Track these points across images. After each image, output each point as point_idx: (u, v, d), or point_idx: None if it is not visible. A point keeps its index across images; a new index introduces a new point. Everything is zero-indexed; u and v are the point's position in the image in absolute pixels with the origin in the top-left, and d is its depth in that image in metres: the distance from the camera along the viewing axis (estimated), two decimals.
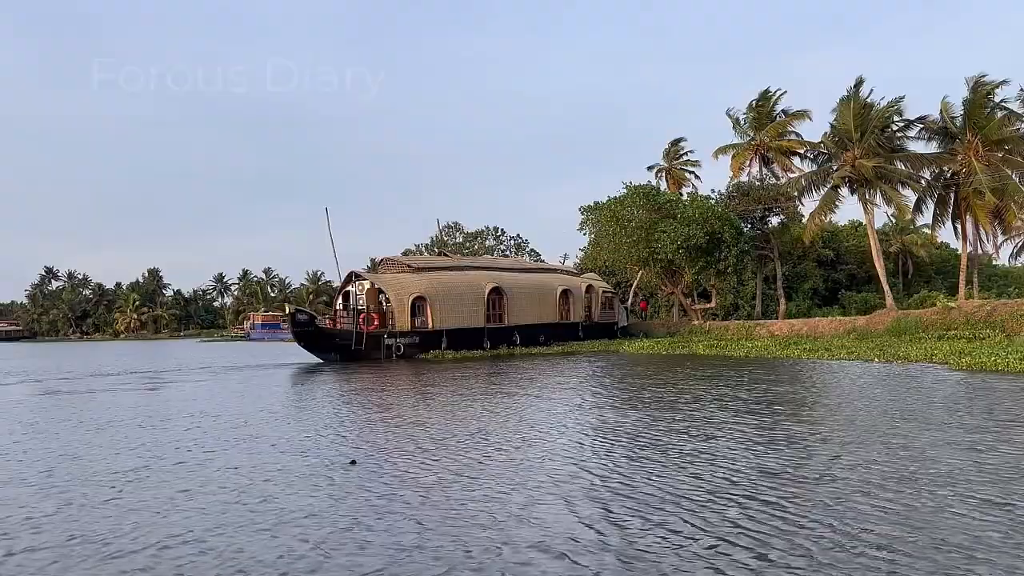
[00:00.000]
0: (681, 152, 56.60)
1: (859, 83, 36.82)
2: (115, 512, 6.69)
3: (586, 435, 10.34)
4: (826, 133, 39.09)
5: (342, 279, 36.14)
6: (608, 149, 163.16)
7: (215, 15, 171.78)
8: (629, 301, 45.97)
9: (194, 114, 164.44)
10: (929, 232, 62.54)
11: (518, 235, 61.80)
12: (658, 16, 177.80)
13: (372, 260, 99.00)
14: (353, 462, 8.78)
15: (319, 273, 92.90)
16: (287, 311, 32.01)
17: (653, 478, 7.52)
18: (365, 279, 33.43)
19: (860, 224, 62.78)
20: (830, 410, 12.02)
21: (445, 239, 61.30)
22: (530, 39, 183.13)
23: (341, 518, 6.39)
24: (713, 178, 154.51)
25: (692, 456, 8.59)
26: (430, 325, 32.76)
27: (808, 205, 42.91)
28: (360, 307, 32.43)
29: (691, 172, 55.96)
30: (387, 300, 32.74)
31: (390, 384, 20.04)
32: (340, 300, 34.35)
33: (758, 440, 9.47)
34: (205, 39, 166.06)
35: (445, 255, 42.99)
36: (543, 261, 55.75)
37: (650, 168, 56.50)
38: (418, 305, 32.75)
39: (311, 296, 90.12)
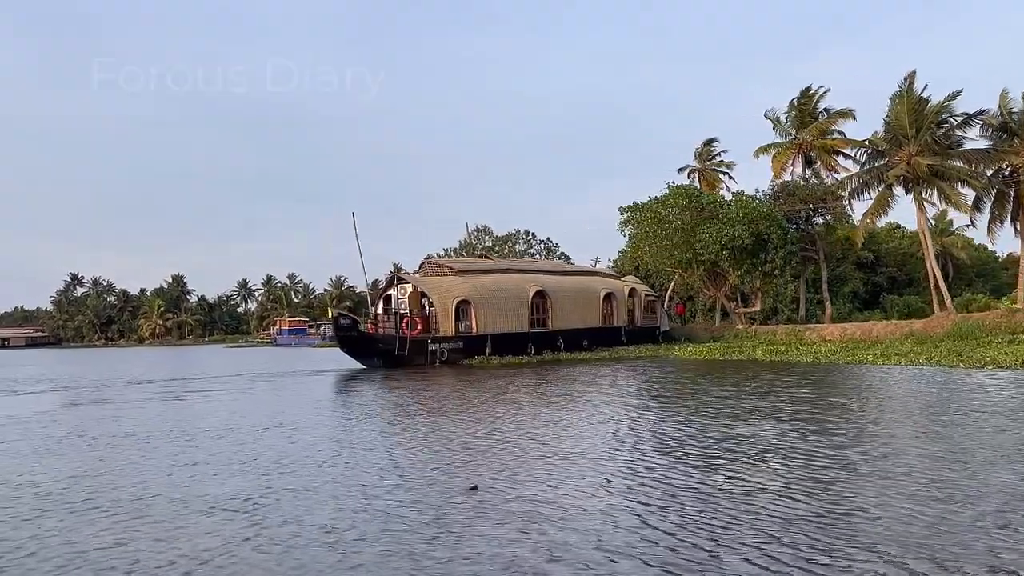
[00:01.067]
0: (714, 153, 55.25)
1: (911, 78, 35.35)
2: (272, 565, 5.40)
3: (744, 452, 9.02)
4: (876, 132, 37.64)
5: (368, 284, 35.11)
6: (609, 149, 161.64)
7: (215, 15, 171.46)
8: (665, 304, 44.57)
9: (195, 114, 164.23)
10: (968, 234, 61.01)
11: (548, 238, 60.58)
12: (658, 16, 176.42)
13: (395, 265, 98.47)
14: (475, 487, 7.52)
15: (342, 278, 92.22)
16: (331, 315, 30.88)
17: (884, 506, 6.20)
18: (408, 282, 32.28)
19: (898, 226, 61.19)
20: (995, 421, 10.63)
21: (474, 242, 60.11)
22: (530, 39, 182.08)
23: (556, 568, 5.13)
24: (747, 178, 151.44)
25: (894, 478, 7.27)
26: (474, 330, 31.54)
27: (855, 205, 41.56)
28: (403, 311, 31.28)
29: (724, 173, 54.64)
30: (430, 304, 31.55)
31: (456, 393, 18.78)
32: (381, 304, 33.20)
33: (950, 457, 8.13)
34: (205, 39, 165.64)
35: (487, 257, 41.81)
36: (573, 264, 54.45)
37: (681, 170, 55.17)
38: (462, 309, 31.55)
39: (334, 301, 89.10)
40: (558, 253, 59.14)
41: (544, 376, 22.66)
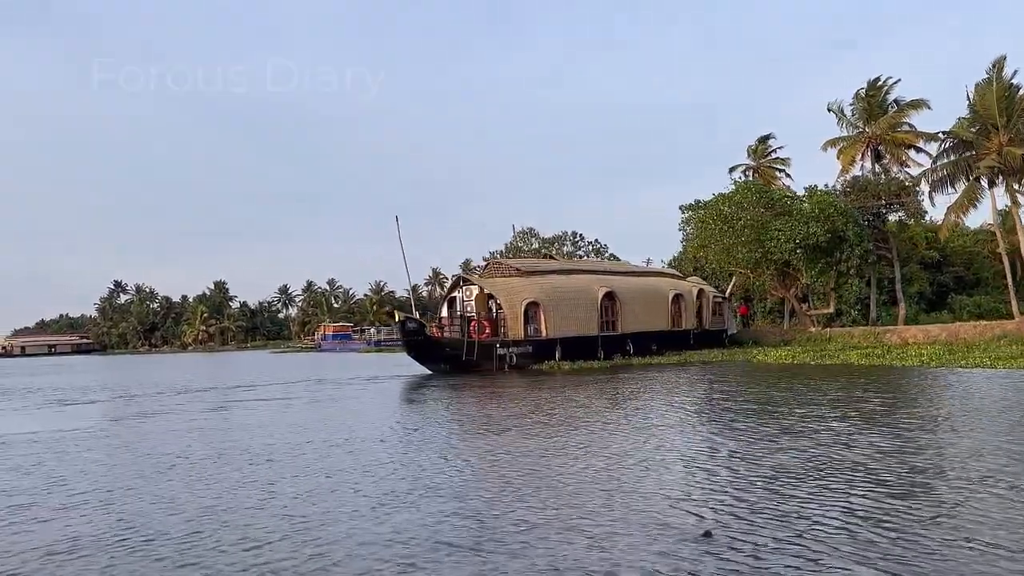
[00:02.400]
0: (769, 150, 53.06)
1: (1000, 64, 33.02)
2: None
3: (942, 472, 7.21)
4: (961, 119, 35.27)
5: (409, 287, 33.77)
6: (610, 150, 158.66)
7: (215, 15, 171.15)
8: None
9: (202, 115, 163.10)
10: None
11: (596, 240, 58.69)
12: (660, 18, 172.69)
13: (433, 270, 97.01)
14: (708, 533, 5.83)
15: (382, 283, 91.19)
16: (396, 319, 29.43)
17: None
18: (474, 284, 30.72)
19: (957, 224, 58.20)
20: None
21: (520, 245, 58.53)
22: (531, 38, 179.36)
23: None
24: (803, 175, 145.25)
25: None
26: (543, 333, 29.86)
27: (936, 199, 39.19)
28: (470, 314, 29.74)
29: (780, 170, 52.42)
30: (498, 306, 29.96)
31: (567, 400, 17.02)
32: (446, 307, 31.70)
33: None
34: (205, 39, 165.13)
35: (551, 258, 40.18)
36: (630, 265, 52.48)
37: (732, 169, 53.04)
38: (530, 311, 29.90)
39: (374, 307, 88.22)
40: (607, 255, 57.29)
41: (641, 382, 20.86)
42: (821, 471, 7.91)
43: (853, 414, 12.29)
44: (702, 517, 6.32)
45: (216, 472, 9.02)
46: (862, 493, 6.88)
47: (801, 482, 7.43)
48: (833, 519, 6.06)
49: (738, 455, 9.02)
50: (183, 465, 9.61)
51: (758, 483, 7.46)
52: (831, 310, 39.76)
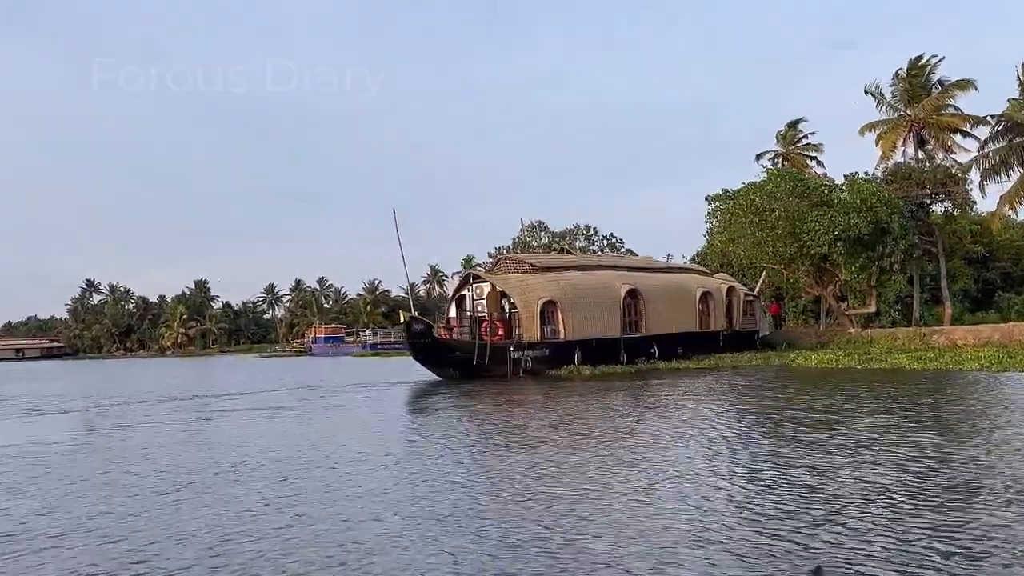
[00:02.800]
0: (799, 136, 52.60)
1: None
2: None
3: None
4: (1012, 100, 34.77)
5: (408, 286, 33.12)
6: (610, 150, 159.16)
7: (215, 15, 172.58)
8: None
9: (202, 115, 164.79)
10: None
11: (611, 234, 58.11)
12: (660, 18, 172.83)
13: (432, 267, 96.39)
14: (818, 569, 5.35)
15: (376, 282, 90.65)
16: (403, 319, 28.91)
17: None
18: (485, 282, 30.19)
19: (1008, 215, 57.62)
20: None
21: (528, 240, 58.05)
22: (531, 38, 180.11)
23: None
24: (835, 163, 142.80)
25: None
26: (562, 335, 29.34)
27: (987, 188, 38.52)
28: (481, 314, 29.22)
29: (812, 157, 51.97)
30: (512, 305, 29.45)
31: (602, 410, 16.48)
32: (454, 307, 31.18)
33: None
34: (205, 39, 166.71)
35: (569, 252, 39.70)
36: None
37: (759, 157, 52.55)
38: (547, 311, 29.38)
39: (368, 307, 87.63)
40: (623, 250, 56.76)
41: (678, 388, 20.36)
42: (928, 492, 7.41)
43: (932, 424, 11.80)
44: (811, 547, 5.82)
45: (230, 493, 8.52)
46: (993, 520, 6.38)
47: (911, 505, 6.93)
48: (979, 553, 5.55)
49: (821, 472, 8.53)
50: (190, 485, 9.10)
51: (859, 505, 6.97)
52: (872, 309, 39.20)
